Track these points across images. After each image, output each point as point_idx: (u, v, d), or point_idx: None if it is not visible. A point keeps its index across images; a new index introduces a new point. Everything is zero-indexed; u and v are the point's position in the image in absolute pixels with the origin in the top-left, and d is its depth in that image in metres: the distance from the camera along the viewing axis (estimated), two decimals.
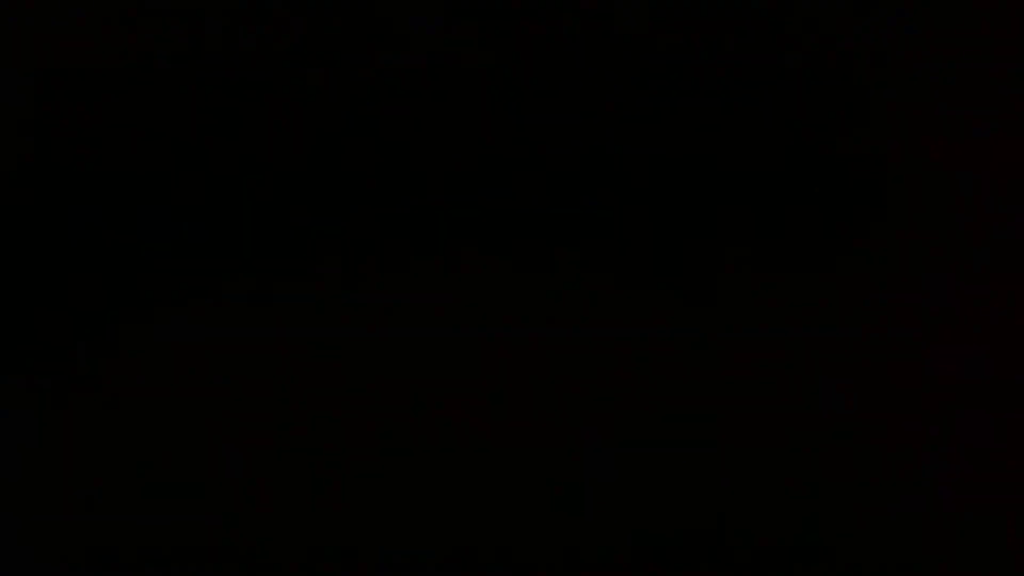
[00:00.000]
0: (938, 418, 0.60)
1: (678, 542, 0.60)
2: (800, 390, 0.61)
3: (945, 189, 0.62)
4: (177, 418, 0.61)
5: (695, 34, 0.62)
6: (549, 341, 0.61)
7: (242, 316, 0.61)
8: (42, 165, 0.62)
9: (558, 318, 0.61)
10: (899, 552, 0.60)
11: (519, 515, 0.61)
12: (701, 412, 0.61)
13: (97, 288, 0.61)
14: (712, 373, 0.61)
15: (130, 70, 0.62)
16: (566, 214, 0.62)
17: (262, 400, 0.61)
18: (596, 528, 0.61)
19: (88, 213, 0.62)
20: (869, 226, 0.61)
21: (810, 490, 0.60)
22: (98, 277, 0.61)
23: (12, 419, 0.61)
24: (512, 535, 0.61)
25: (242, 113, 0.62)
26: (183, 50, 0.62)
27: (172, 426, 0.61)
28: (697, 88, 0.62)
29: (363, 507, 0.61)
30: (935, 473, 0.60)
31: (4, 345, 0.61)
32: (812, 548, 0.60)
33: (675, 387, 0.61)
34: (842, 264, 0.61)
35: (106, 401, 0.61)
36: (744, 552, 0.60)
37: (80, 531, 0.61)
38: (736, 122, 0.62)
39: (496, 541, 0.61)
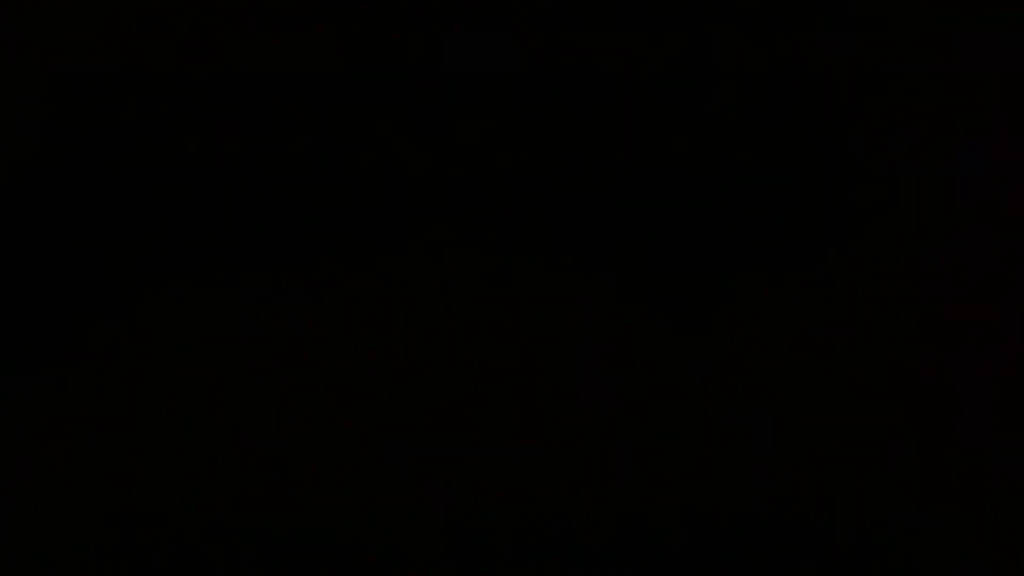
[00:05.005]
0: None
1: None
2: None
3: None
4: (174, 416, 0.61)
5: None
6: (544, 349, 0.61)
7: (240, 313, 0.61)
8: (39, 164, 0.62)
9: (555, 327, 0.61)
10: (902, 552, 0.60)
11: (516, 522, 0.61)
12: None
13: (93, 285, 0.61)
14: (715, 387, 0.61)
15: (127, 70, 0.62)
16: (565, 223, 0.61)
17: (260, 397, 0.61)
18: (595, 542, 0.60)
19: (84, 211, 0.62)
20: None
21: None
22: (94, 275, 0.61)
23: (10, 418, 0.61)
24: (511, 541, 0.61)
25: (238, 111, 0.62)
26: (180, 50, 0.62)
27: (168, 424, 0.61)
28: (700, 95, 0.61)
29: (362, 505, 0.61)
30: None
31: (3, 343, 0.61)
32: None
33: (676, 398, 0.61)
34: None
35: (102, 396, 0.61)
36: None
37: (77, 529, 0.61)
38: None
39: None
